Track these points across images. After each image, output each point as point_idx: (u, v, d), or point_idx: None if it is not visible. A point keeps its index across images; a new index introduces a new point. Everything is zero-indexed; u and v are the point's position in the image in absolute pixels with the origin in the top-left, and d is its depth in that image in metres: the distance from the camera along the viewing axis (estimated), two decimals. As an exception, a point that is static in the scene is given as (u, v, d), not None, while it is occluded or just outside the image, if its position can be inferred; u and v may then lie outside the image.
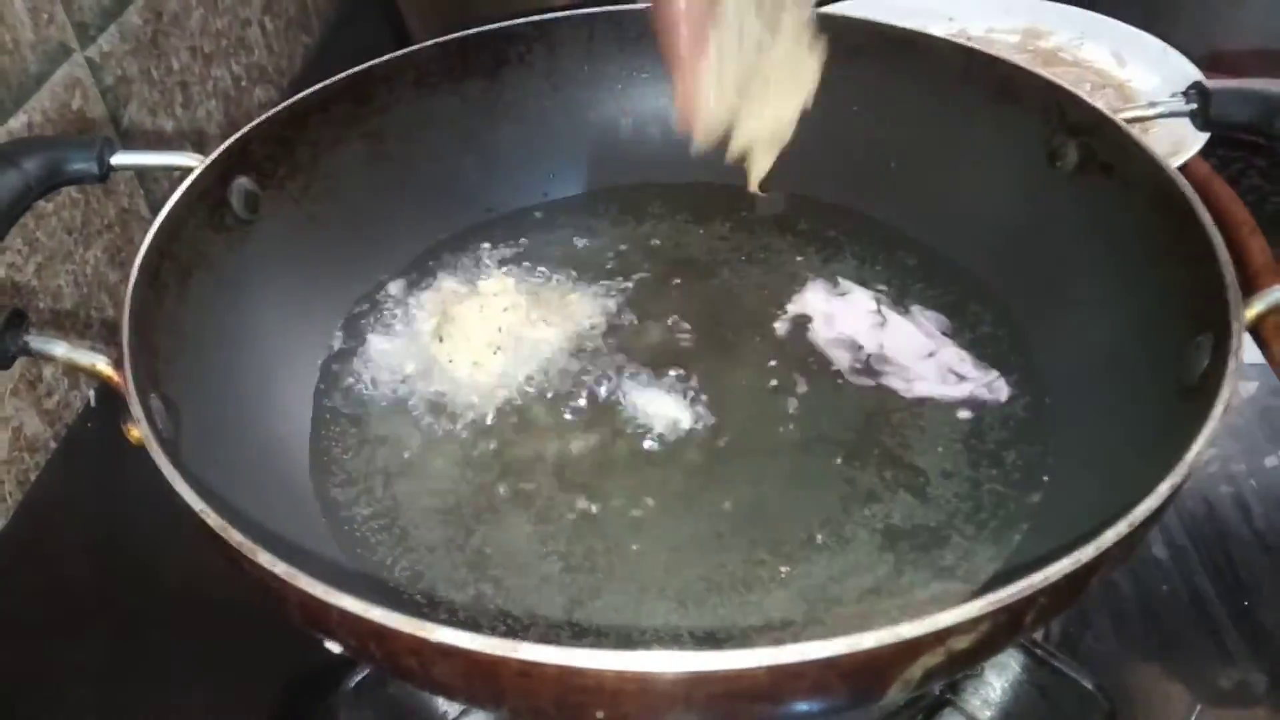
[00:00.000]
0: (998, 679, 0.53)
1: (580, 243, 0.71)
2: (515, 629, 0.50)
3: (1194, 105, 0.59)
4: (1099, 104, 0.59)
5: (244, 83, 0.96)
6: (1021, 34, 0.95)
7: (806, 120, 0.73)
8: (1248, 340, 0.46)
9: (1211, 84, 0.59)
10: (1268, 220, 0.76)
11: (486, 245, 0.71)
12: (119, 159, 0.56)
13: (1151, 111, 0.61)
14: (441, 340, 0.62)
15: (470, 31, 0.70)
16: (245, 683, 0.58)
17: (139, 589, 0.62)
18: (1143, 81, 0.89)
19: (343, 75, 0.66)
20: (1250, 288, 0.48)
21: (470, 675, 0.36)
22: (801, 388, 0.61)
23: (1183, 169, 0.71)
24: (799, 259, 0.70)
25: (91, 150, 0.55)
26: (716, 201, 0.73)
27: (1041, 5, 0.96)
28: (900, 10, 0.85)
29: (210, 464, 0.47)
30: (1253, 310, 0.47)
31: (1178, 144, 0.77)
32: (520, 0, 0.79)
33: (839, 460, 0.57)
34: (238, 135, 0.60)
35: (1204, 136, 0.75)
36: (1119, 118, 0.58)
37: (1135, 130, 0.57)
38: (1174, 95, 0.60)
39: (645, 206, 0.74)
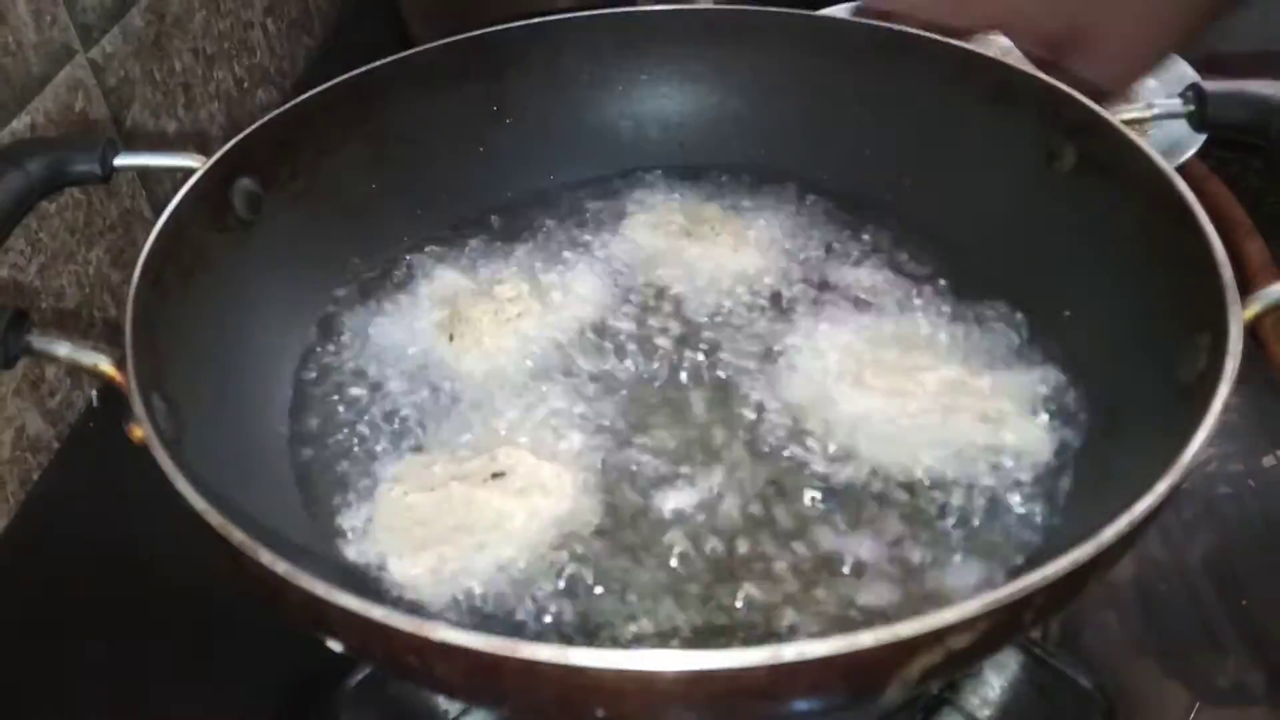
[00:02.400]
0: (996, 678, 0.54)
1: (583, 241, 0.71)
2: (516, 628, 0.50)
3: (1191, 107, 0.59)
4: (1096, 105, 0.60)
5: (246, 84, 0.97)
6: (1020, 35, 0.95)
7: (804, 120, 0.74)
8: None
9: (1209, 86, 0.59)
10: (1265, 221, 0.76)
11: (487, 245, 0.71)
12: (122, 160, 0.57)
13: (1149, 113, 0.61)
14: (452, 339, 0.62)
15: (473, 33, 0.70)
16: (246, 682, 0.58)
17: (140, 588, 0.62)
18: (1140, 83, 0.89)
19: (345, 77, 0.66)
20: (1248, 288, 0.48)
21: (471, 674, 0.36)
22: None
23: (1180, 170, 0.71)
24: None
25: (94, 151, 0.55)
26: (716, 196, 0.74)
27: (1040, 7, 0.96)
28: (899, 12, 0.85)
29: (212, 463, 0.47)
30: (1250, 310, 0.47)
31: (1175, 145, 0.77)
32: (523, 2, 0.79)
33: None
34: (240, 136, 0.60)
35: (1201, 138, 0.75)
36: (1116, 119, 0.58)
37: (1132, 131, 0.58)
38: (1171, 97, 0.61)
39: (646, 206, 0.74)
